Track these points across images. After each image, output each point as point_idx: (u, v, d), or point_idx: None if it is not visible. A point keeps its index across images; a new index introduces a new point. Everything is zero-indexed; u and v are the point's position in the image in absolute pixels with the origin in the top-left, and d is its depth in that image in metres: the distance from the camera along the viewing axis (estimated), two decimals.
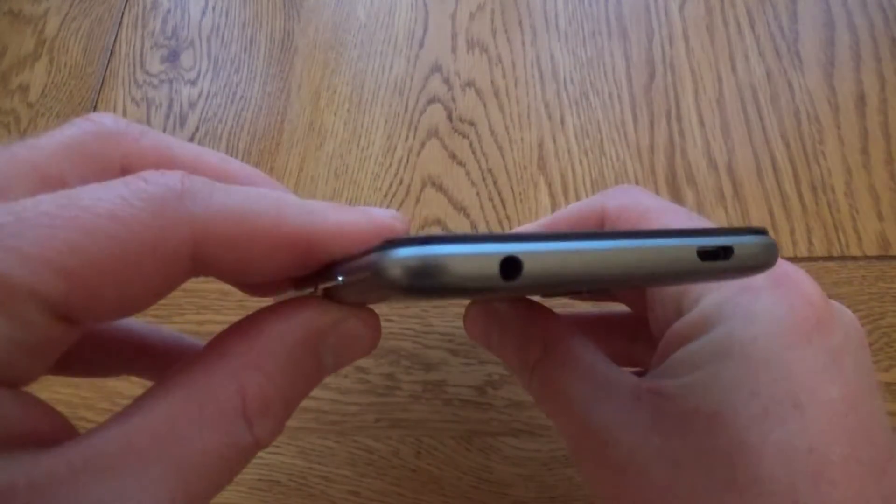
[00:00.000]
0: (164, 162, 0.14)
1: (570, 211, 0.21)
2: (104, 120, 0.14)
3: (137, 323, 0.17)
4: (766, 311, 0.15)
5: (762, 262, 0.13)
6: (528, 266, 0.10)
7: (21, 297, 0.09)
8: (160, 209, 0.10)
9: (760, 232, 0.13)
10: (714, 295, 0.16)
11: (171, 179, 0.11)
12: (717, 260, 0.12)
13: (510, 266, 0.10)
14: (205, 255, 0.11)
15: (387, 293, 0.11)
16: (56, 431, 0.11)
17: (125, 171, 0.13)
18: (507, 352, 0.19)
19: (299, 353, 0.13)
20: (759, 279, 0.15)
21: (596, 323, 0.25)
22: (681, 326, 0.16)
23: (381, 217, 0.14)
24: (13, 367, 0.10)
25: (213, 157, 0.15)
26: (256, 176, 0.16)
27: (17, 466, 0.09)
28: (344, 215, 0.13)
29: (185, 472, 0.11)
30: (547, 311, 0.18)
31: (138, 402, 0.11)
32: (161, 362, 0.17)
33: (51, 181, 0.12)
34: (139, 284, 0.11)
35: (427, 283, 0.10)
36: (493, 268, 0.10)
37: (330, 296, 0.14)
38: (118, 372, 0.17)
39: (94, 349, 0.16)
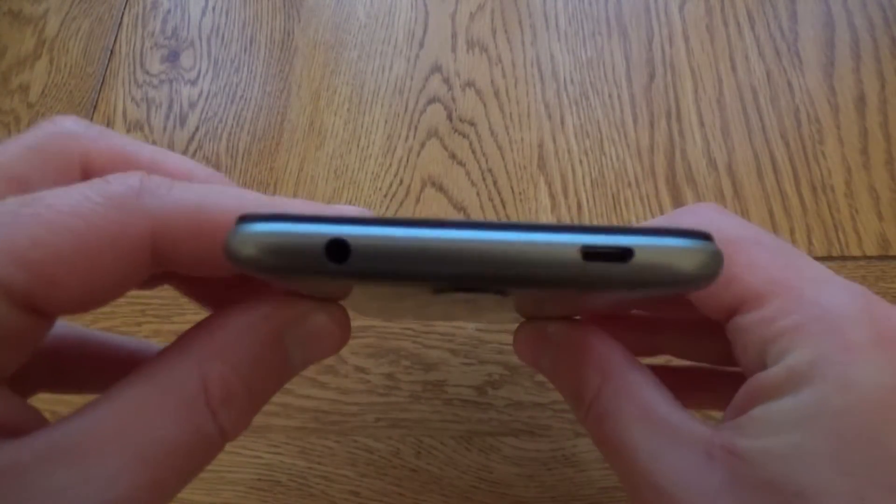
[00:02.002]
0: (122, 161, 0.14)
1: None
2: (65, 122, 0.14)
3: (116, 337, 0.18)
4: (867, 376, 0.13)
5: (682, 273, 0.10)
6: (357, 250, 0.10)
7: None
8: (119, 204, 0.11)
9: (696, 236, 0.11)
10: (805, 350, 0.14)
11: (130, 178, 0.12)
12: (609, 262, 0.10)
13: (337, 249, 0.10)
14: (164, 248, 0.12)
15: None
16: (26, 423, 0.11)
17: (85, 170, 0.14)
18: (560, 380, 0.17)
19: (263, 345, 0.13)
20: (860, 335, 0.13)
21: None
22: (765, 380, 0.14)
23: (347, 212, 0.14)
24: None
25: (171, 157, 0.15)
26: (215, 177, 0.16)
27: None
28: (311, 207, 0.13)
29: (148, 459, 0.11)
30: (605, 337, 0.17)
31: (105, 393, 0.12)
32: (109, 370, 0.17)
33: (15, 182, 0.12)
34: (100, 276, 0.11)
35: (256, 263, 0.10)
36: (319, 249, 0.10)
37: (294, 292, 0.14)
38: (97, 388, 0.17)
39: (73, 365, 0.16)
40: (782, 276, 0.14)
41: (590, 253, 0.10)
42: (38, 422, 0.12)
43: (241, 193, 0.13)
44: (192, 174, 0.15)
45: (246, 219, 0.10)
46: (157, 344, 0.17)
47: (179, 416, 0.12)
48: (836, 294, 0.14)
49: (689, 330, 0.21)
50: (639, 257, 0.10)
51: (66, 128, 0.14)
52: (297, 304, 0.14)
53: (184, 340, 0.13)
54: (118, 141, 0.15)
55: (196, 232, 0.12)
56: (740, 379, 0.19)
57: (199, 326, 0.13)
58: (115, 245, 0.11)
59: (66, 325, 0.16)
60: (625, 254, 0.10)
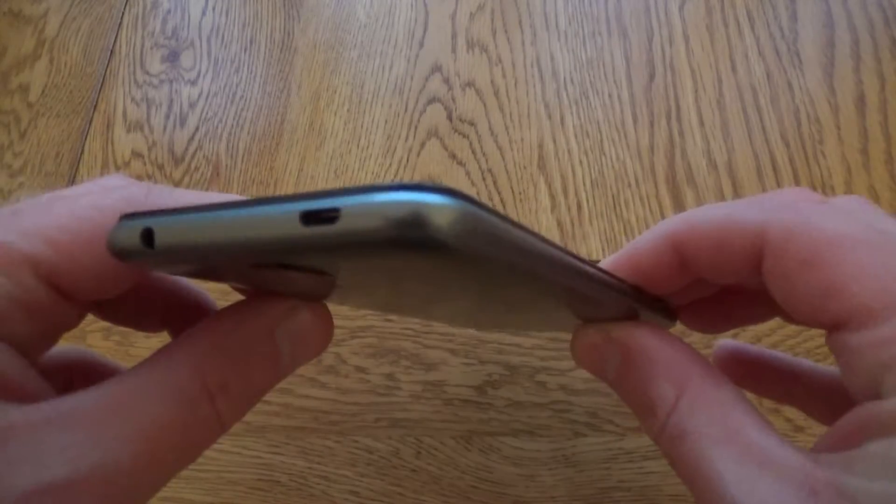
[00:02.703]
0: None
1: (713, 223, 0.15)
2: (111, 182, 0.15)
3: (182, 281, 0.18)
4: None
5: (380, 230, 0.08)
6: (160, 236, 0.11)
7: (17, 260, 0.12)
8: (129, 200, 0.13)
9: (415, 189, 0.09)
10: None
11: (140, 183, 0.14)
12: (322, 224, 0.09)
13: (148, 236, 0.11)
14: None
15: None
16: (37, 392, 0.12)
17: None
18: (627, 391, 0.16)
19: (256, 339, 0.14)
20: None
21: None
22: (879, 411, 0.12)
23: (207, 199, 0.15)
24: (10, 322, 0.12)
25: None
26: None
27: None
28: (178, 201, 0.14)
29: (148, 433, 0.12)
30: (678, 341, 0.15)
31: (109, 379, 0.13)
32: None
33: None
34: (107, 272, 0.13)
35: (115, 253, 0.12)
36: (136, 238, 0.11)
37: (279, 293, 0.15)
38: (156, 328, 0.18)
39: (139, 301, 0.17)
40: None
41: (307, 215, 0.09)
42: (47, 392, 0.13)
43: (200, 196, 0.14)
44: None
45: (122, 217, 0.12)
46: (194, 285, 0.18)
47: (178, 397, 0.13)
48: None
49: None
50: (344, 215, 0.09)
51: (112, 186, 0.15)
52: (284, 301, 0.14)
53: (183, 337, 0.14)
54: (165, 194, 0.16)
55: None
56: (822, 378, 0.19)
57: (197, 326, 0.14)
58: None
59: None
60: (332, 213, 0.09)
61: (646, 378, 0.15)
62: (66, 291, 0.12)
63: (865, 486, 0.11)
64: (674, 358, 0.15)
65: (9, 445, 0.11)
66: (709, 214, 0.15)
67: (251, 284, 0.14)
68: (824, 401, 0.18)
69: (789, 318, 0.16)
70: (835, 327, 0.13)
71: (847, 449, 0.12)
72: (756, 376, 0.20)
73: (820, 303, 0.13)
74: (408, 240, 0.09)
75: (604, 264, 0.16)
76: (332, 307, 0.16)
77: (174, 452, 0.13)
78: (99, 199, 0.13)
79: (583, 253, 0.31)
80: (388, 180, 0.33)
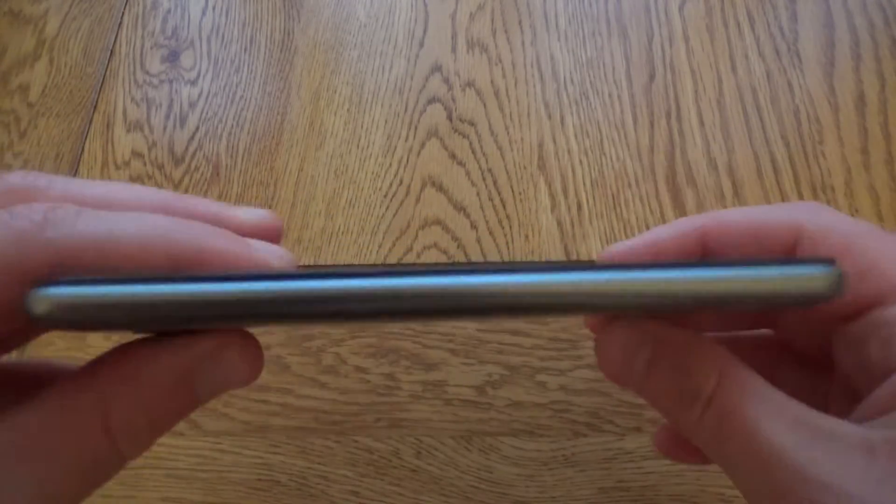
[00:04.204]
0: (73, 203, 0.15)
1: (747, 218, 0.17)
2: (10, 178, 0.14)
3: (36, 360, 0.18)
4: None
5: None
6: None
7: None
8: (19, 238, 0.12)
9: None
10: None
11: (34, 211, 0.12)
12: None
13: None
14: (66, 273, 0.12)
15: None
16: None
17: None
18: (660, 379, 0.16)
19: (169, 383, 0.13)
20: None
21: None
22: None
23: (260, 254, 0.14)
24: None
25: (122, 192, 0.15)
26: (152, 197, 0.16)
27: None
28: (222, 243, 0.13)
29: (43, 476, 0.12)
30: (706, 338, 0.16)
31: (15, 407, 0.12)
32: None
33: None
34: (2, 301, 0.12)
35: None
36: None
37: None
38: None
39: None
40: None
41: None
42: None
43: (154, 223, 0.13)
44: (142, 205, 0.15)
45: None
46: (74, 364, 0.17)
47: (78, 439, 0.12)
48: None
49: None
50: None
51: (12, 183, 0.14)
52: (207, 340, 0.14)
53: (91, 369, 0.13)
54: (67, 186, 0.15)
55: (102, 259, 0.12)
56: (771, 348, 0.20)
57: (106, 356, 0.13)
58: (13, 274, 0.12)
59: None
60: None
61: (684, 364, 0.15)
62: None
63: None
64: (709, 347, 0.15)
65: None
66: (742, 213, 0.17)
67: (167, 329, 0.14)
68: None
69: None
70: (868, 306, 0.15)
71: (891, 412, 0.13)
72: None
73: (855, 285, 0.14)
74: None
75: (617, 248, 0.17)
76: None
77: (72, 494, 0.13)
78: None
79: (582, 253, 0.31)
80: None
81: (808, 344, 0.19)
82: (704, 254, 0.17)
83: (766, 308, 0.14)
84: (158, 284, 0.12)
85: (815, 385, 0.18)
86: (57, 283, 0.12)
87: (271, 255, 0.14)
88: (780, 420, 0.14)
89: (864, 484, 0.12)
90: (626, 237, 0.31)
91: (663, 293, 0.13)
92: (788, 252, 0.16)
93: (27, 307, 0.12)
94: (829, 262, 0.13)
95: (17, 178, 0.14)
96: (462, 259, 0.31)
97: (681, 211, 0.32)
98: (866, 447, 0.13)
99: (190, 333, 0.13)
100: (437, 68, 0.36)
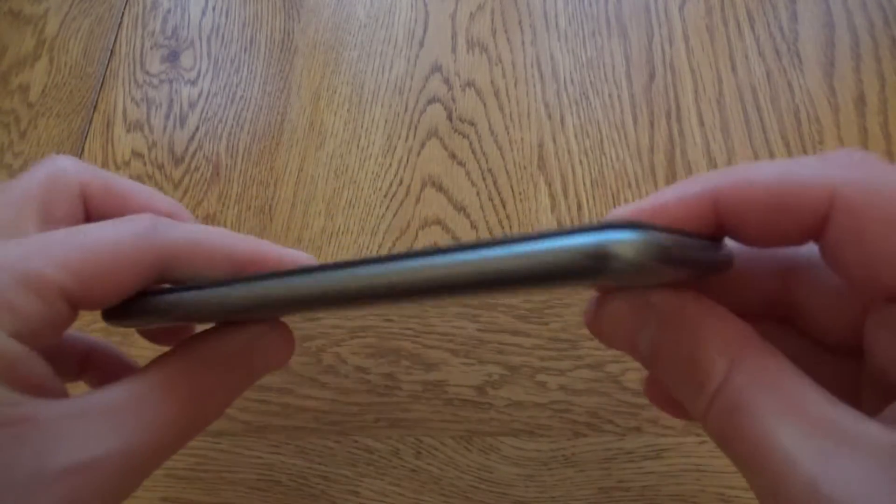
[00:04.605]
0: (107, 192, 0.19)
1: (767, 181, 0.13)
2: (65, 160, 0.19)
3: (92, 337, 0.22)
4: None
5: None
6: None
7: (52, 290, 0.14)
8: (138, 237, 0.15)
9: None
10: None
11: (147, 220, 0.16)
12: None
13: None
14: (166, 267, 0.16)
15: None
16: (58, 390, 0.15)
17: (83, 197, 0.19)
18: (666, 364, 0.14)
19: (237, 353, 0.17)
20: None
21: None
22: None
23: (294, 256, 0.18)
24: (42, 338, 0.14)
25: (138, 187, 0.20)
26: (174, 204, 0.21)
27: (7, 398, 0.13)
28: (267, 249, 0.17)
29: (152, 428, 0.15)
30: (729, 312, 0.14)
31: (122, 380, 0.15)
32: (104, 373, 0.22)
33: (43, 207, 0.18)
34: (119, 285, 0.15)
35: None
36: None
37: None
38: (72, 378, 0.21)
39: (58, 358, 0.20)
40: None
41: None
42: (62, 391, 0.15)
43: (224, 232, 0.17)
44: (153, 196, 0.20)
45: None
46: (104, 340, 0.22)
47: (175, 400, 0.15)
48: None
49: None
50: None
51: (67, 164, 0.19)
52: (255, 325, 0.17)
53: (177, 350, 0.16)
54: (103, 174, 0.19)
55: (192, 259, 0.16)
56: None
57: (186, 342, 0.17)
58: (132, 265, 0.15)
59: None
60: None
61: (693, 348, 0.13)
62: (78, 306, 0.15)
63: None
64: (724, 325, 0.13)
65: (45, 433, 0.13)
66: (763, 171, 0.14)
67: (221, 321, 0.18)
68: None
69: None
70: None
71: None
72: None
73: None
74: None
75: (622, 210, 0.15)
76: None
77: (177, 440, 0.16)
78: (114, 237, 0.15)
79: None
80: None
81: (832, 330, 0.16)
82: (718, 223, 0.14)
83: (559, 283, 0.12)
84: (235, 285, 0.15)
85: (842, 380, 0.16)
86: (159, 292, 0.16)
87: (303, 258, 0.18)
88: (797, 421, 0.11)
89: None
90: None
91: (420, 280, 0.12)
92: (814, 229, 0.13)
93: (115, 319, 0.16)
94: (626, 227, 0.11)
95: (70, 161, 0.19)
96: None
97: None
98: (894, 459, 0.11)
99: (235, 325, 0.17)
100: (437, 68, 0.36)
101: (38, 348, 0.14)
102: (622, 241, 0.11)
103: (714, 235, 0.14)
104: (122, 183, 0.19)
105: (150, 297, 0.16)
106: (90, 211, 0.19)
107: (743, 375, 0.12)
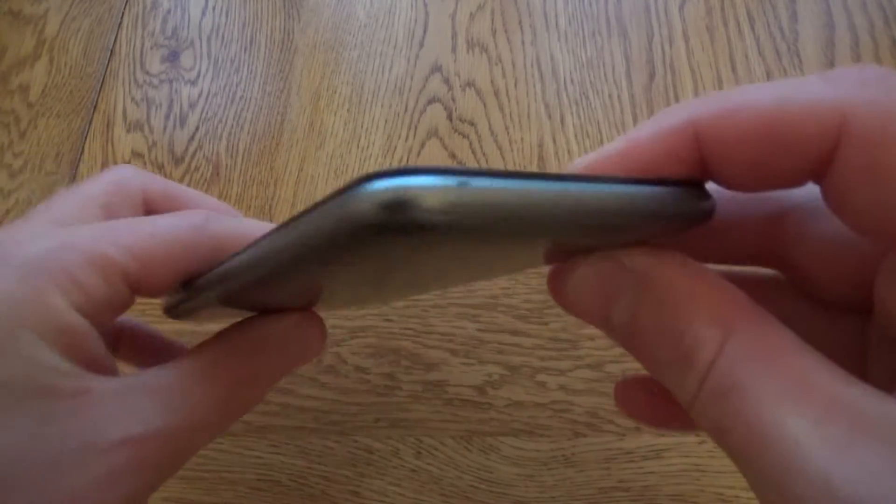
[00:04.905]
0: (167, 196, 0.20)
1: (756, 100, 0.11)
2: (126, 168, 0.20)
3: (141, 323, 0.23)
4: None
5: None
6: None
7: (116, 271, 0.15)
8: (194, 228, 0.16)
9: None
10: None
11: (201, 213, 0.17)
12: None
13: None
14: (219, 257, 0.16)
15: None
16: (113, 367, 0.16)
17: (145, 201, 0.19)
18: (648, 337, 0.12)
19: (277, 339, 0.18)
20: None
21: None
22: None
23: None
24: (104, 318, 0.15)
25: (193, 192, 0.21)
26: (227, 208, 0.22)
27: (68, 370, 0.14)
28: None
29: (200, 407, 0.16)
30: (719, 275, 0.12)
31: (173, 361, 0.16)
32: (136, 349, 0.23)
33: (105, 209, 0.18)
34: (176, 272, 0.16)
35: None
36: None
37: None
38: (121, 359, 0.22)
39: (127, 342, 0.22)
40: None
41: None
42: (114, 369, 0.16)
43: (259, 225, 0.18)
44: (206, 201, 0.21)
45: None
46: (152, 326, 0.24)
47: (224, 382, 0.16)
48: None
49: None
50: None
51: (129, 171, 0.19)
52: (291, 314, 0.18)
53: (223, 336, 0.17)
54: (161, 181, 0.20)
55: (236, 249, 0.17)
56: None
57: (228, 331, 0.17)
58: (188, 253, 0.16)
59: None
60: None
61: (679, 318, 0.11)
62: (138, 291, 0.16)
63: None
64: (715, 291, 0.11)
65: (100, 407, 0.14)
66: (755, 95, 0.11)
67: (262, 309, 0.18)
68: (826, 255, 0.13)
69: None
70: None
71: None
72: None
73: None
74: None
75: (583, 160, 0.13)
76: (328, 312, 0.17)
77: (220, 421, 0.16)
78: (174, 226, 0.16)
79: None
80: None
81: (831, 286, 0.13)
82: (702, 160, 0.12)
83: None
84: None
85: (843, 344, 0.13)
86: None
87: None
88: (805, 403, 0.09)
89: None
90: None
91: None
92: (818, 165, 0.11)
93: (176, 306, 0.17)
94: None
95: (129, 169, 0.19)
96: None
97: None
98: None
99: (271, 315, 0.18)
100: (437, 68, 0.36)
101: (98, 327, 0.15)
102: (425, 187, 0.09)
103: (692, 179, 0.12)
104: (178, 188, 0.20)
105: (202, 277, 0.16)
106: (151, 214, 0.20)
107: (739, 348, 0.10)
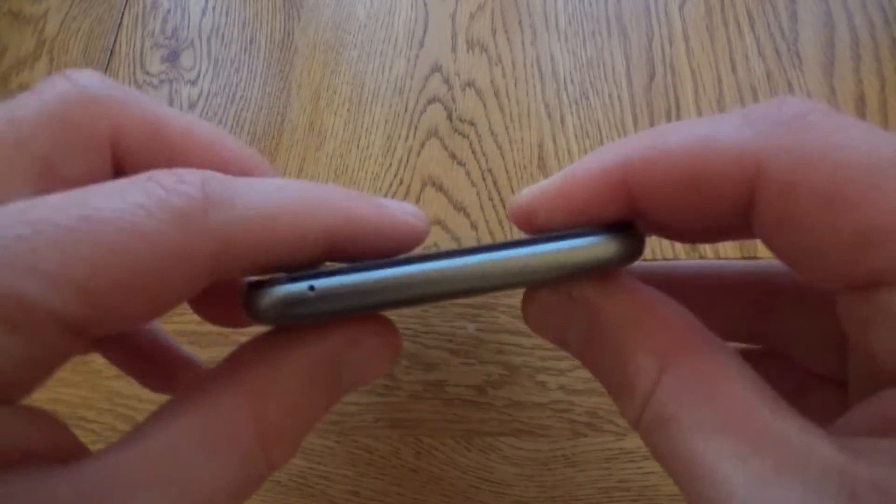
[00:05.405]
0: (153, 133, 0.13)
1: (677, 145, 0.11)
2: (86, 81, 0.12)
3: (158, 329, 0.17)
4: None
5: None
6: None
7: (40, 319, 0.09)
8: (185, 224, 0.10)
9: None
10: None
11: (191, 188, 0.10)
12: None
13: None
14: (227, 263, 0.11)
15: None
16: (64, 448, 0.10)
17: (114, 145, 0.12)
18: (598, 363, 0.12)
19: (319, 377, 0.12)
20: None
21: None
22: None
23: (401, 216, 0.13)
24: (21, 384, 0.10)
25: (204, 128, 0.14)
26: (250, 154, 0.15)
27: (20, 485, 0.09)
28: (365, 210, 0.12)
29: (193, 500, 0.10)
30: (662, 298, 0.12)
31: (150, 422, 0.11)
32: (161, 370, 0.17)
33: (39, 162, 0.11)
34: (159, 299, 0.10)
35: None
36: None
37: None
38: (83, 352, 0.15)
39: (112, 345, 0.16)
40: None
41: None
42: (73, 446, 0.11)
43: (303, 193, 0.11)
44: (230, 153, 0.14)
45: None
46: (166, 332, 0.17)
47: (228, 455, 0.11)
48: None
49: (719, 298, 0.15)
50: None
51: (90, 90, 0.12)
52: (350, 329, 0.13)
53: (233, 368, 0.12)
54: (149, 108, 0.13)
55: (260, 244, 0.11)
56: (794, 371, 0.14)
57: (249, 353, 0.12)
58: (178, 269, 0.10)
59: None
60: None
61: (620, 348, 0.11)
62: (90, 333, 0.10)
63: None
64: (657, 321, 0.11)
65: None
66: (675, 138, 0.11)
67: None
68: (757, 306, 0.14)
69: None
70: (869, 284, 0.10)
71: (887, 436, 0.09)
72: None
73: (851, 253, 0.10)
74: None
75: (526, 194, 0.14)
76: None
77: (237, 498, 0.11)
78: (142, 221, 0.09)
79: None
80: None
81: (819, 357, 0.13)
82: (629, 201, 0.12)
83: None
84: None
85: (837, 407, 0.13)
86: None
87: (408, 214, 0.13)
88: (733, 436, 0.10)
89: None
90: None
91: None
92: (740, 208, 0.11)
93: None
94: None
95: (94, 80, 0.12)
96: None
97: None
98: (846, 490, 0.09)
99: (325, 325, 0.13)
100: (437, 68, 0.36)
101: (22, 397, 0.10)
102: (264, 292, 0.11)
103: (622, 221, 0.13)
104: (170, 117, 0.13)
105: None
106: (124, 166, 0.13)
107: (674, 380, 0.10)
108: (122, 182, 0.10)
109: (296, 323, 0.12)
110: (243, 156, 0.14)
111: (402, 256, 0.12)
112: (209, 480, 0.10)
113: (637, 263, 0.13)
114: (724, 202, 0.11)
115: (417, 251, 0.13)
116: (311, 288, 0.11)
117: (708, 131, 0.11)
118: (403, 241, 0.13)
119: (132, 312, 0.10)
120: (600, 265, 0.12)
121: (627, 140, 0.12)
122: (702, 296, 0.14)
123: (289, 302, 0.11)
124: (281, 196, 0.11)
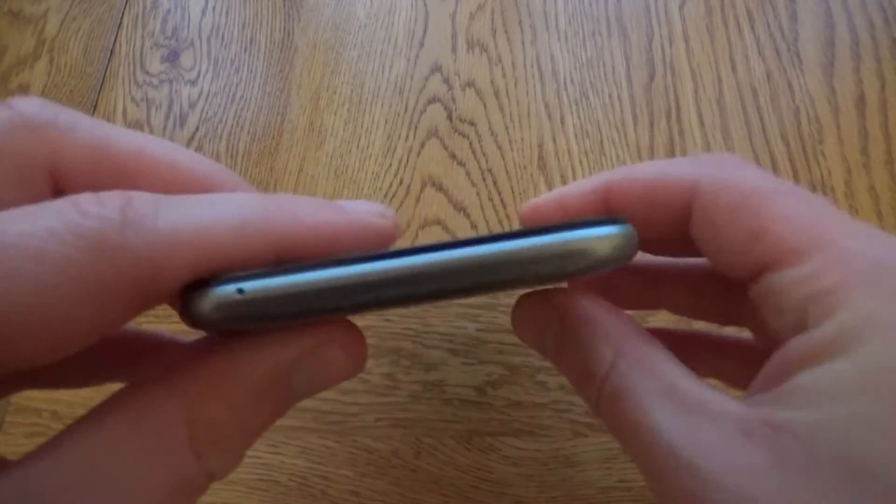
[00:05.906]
0: (100, 161, 0.12)
1: (648, 175, 0.16)
2: (27, 108, 0.11)
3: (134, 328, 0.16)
4: None
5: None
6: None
7: None
8: (98, 248, 0.09)
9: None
10: (858, 306, 0.12)
11: (109, 210, 0.09)
12: None
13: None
14: (164, 283, 0.10)
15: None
16: None
17: (53, 173, 0.12)
18: (566, 360, 0.15)
19: (266, 383, 0.12)
20: None
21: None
22: (806, 343, 0.12)
23: (359, 217, 0.13)
24: None
25: (157, 148, 0.13)
26: (213, 170, 0.14)
27: None
28: (319, 215, 0.12)
29: None
30: (612, 307, 0.15)
31: (77, 426, 0.10)
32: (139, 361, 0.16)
33: None
34: (73, 328, 0.09)
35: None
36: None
37: None
38: (102, 380, 0.16)
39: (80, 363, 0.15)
40: (821, 228, 0.13)
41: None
42: None
43: (242, 206, 0.11)
44: (185, 170, 0.13)
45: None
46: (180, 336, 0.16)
47: (159, 461, 0.10)
48: (883, 246, 0.13)
49: (694, 284, 0.19)
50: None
51: (29, 117, 0.11)
52: (306, 336, 0.12)
53: (172, 373, 0.11)
54: (95, 132, 0.12)
55: (191, 266, 0.10)
56: (747, 348, 0.19)
57: (190, 356, 0.11)
58: (92, 298, 0.09)
59: None
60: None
61: (585, 342, 0.14)
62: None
63: (798, 416, 0.11)
64: (611, 320, 0.15)
65: None
66: (644, 170, 0.16)
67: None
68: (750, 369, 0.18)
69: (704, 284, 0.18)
70: (761, 271, 0.14)
71: (777, 387, 0.12)
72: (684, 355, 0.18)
73: (748, 247, 0.14)
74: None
75: (528, 206, 0.18)
76: None
77: None
78: (48, 246, 0.08)
79: None
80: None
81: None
82: (609, 211, 0.16)
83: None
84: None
85: None
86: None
87: (371, 214, 0.13)
88: (665, 400, 0.13)
89: (733, 471, 0.11)
90: None
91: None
92: (683, 218, 0.15)
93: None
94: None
95: (34, 107, 0.12)
96: None
97: None
98: (742, 428, 0.12)
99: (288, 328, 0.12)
100: (437, 68, 0.36)
101: None
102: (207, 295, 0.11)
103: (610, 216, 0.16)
104: (120, 139, 0.12)
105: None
106: (67, 193, 0.11)
107: (625, 362, 0.14)
108: (40, 206, 0.09)
109: (237, 331, 0.11)
110: (208, 172, 0.13)
111: (360, 253, 0.11)
112: (139, 489, 0.10)
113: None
114: (671, 213, 0.15)
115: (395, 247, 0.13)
116: (240, 291, 0.10)
117: (666, 165, 0.16)
118: (370, 242, 0.13)
119: (39, 346, 0.09)
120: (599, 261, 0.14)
121: (610, 171, 0.17)
122: (679, 285, 0.20)
123: (221, 306, 0.10)
124: (213, 211, 0.10)
